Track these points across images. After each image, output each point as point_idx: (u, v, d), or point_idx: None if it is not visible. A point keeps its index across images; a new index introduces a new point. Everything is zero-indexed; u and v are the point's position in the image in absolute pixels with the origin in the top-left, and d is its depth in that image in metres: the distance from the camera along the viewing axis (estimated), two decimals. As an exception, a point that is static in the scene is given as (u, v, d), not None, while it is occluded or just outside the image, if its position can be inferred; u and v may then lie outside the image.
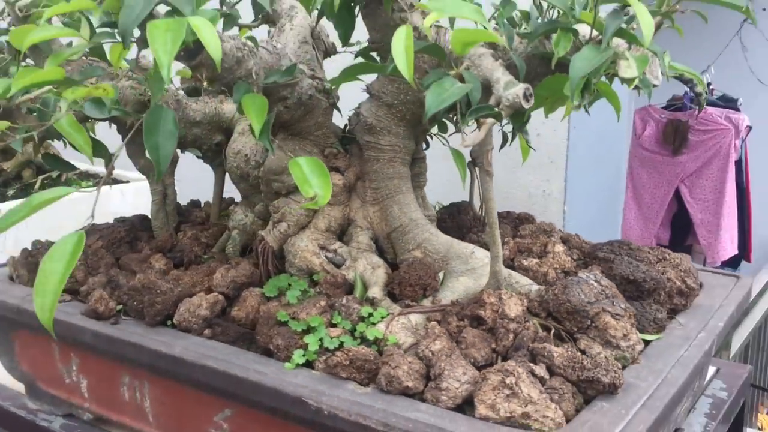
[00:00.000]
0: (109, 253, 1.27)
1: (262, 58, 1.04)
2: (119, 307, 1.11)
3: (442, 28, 1.07)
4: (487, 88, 0.89)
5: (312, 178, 0.88)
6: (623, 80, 0.81)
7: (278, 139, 1.16)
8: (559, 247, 1.14)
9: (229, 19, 1.15)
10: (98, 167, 2.22)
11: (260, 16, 1.32)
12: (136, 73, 1.23)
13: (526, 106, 0.85)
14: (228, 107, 1.33)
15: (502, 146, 1.51)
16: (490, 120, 0.84)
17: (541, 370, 0.87)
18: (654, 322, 1.02)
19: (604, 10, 0.88)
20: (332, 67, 1.29)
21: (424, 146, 1.26)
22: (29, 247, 1.31)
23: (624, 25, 0.85)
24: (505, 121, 1.47)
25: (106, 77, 1.23)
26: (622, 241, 1.18)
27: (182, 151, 1.36)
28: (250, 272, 1.11)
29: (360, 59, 1.22)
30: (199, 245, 1.24)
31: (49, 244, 1.32)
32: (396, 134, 1.14)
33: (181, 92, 1.32)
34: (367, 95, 1.15)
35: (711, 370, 1.36)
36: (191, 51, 0.92)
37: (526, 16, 1.08)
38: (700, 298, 1.14)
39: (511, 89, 0.85)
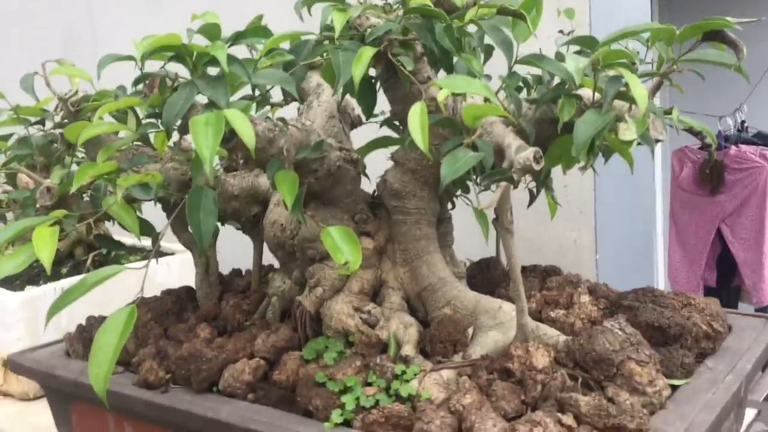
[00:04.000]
0: (158, 324, 1.34)
1: (293, 136, 1.12)
2: (168, 376, 1.17)
3: (459, 96, 1.14)
4: (500, 152, 0.95)
5: (343, 245, 0.95)
6: (623, 143, 0.86)
7: (310, 209, 1.23)
8: (585, 298, 1.18)
9: (262, 101, 1.25)
10: (145, 241, 2.33)
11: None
12: (177, 155, 1.32)
13: (536, 167, 0.91)
14: (263, 180, 1.41)
15: (529, 204, 1.57)
16: (503, 183, 0.90)
17: (568, 420, 0.90)
18: (682, 366, 1.05)
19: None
20: (359, 137, 1.37)
21: (449, 207, 1.32)
22: (83, 323, 1.39)
23: (623, 89, 0.91)
24: (528, 177, 1.54)
25: (150, 161, 1.32)
26: (646, 288, 1.21)
27: (222, 224, 1.44)
28: (289, 337, 1.17)
29: (384, 128, 1.30)
30: (241, 313, 1.31)
31: (102, 319, 1.40)
32: (421, 198, 1.20)
33: (220, 168, 1.41)
34: (393, 163, 1.22)
35: (751, 413, 1.36)
36: (227, 137, 1.01)
37: (538, 81, 1.14)
38: (728, 341, 1.16)
39: (521, 153, 0.91)
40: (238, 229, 1.44)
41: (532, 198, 1.57)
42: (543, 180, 1.36)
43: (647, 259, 2.32)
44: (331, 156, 1.19)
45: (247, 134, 0.88)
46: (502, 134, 0.95)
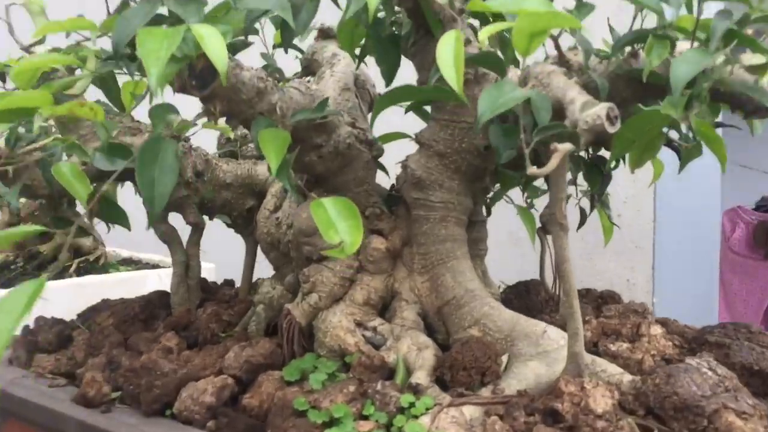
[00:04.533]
0: (119, 331, 1.10)
1: (292, 98, 0.88)
2: (117, 393, 0.92)
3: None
4: (559, 111, 0.70)
5: (339, 221, 0.70)
6: (750, 69, 0.61)
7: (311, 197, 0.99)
8: (657, 330, 0.91)
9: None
10: (143, 253, 2.10)
11: (302, 68, 1.19)
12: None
13: (610, 130, 0.66)
14: (262, 169, 1.17)
15: (579, 226, 1.31)
16: (564, 145, 0.65)
17: (642, 486, 0.63)
18: (790, 426, 0.77)
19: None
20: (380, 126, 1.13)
21: (484, 212, 1.07)
22: (31, 325, 1.15)
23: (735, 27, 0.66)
24: (580, 192, 1.28)
25: (128, 133, 1.09)
26: (738, 323, 0.93)
27: (210, 218, 1.20)
28: (269, 352, 0.91)
29: (410, 118, 1.06)
30: (219, 323, 1.06)
31: (54, 321, 1.16)
32: (449, 189, 0.95)
33: (210, 153, 1.18)
34: (417, 147, 0.98)
35: None
36: (201, 77, 0.78)
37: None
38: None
39: (589, 109, 0.66)
40: (228, 225, 1.20)
41: (583, 218, 1.32)
42: (606, 182, 1.11)
43: (710, 308, 2.02)
44: (341, 131, 0.95)
45: (219, 55, 0.65)
46: (564, 87, 0.71)
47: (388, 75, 0.90)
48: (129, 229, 1.10)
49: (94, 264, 1.84)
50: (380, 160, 1.03)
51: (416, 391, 0.80)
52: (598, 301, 1.07)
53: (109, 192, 1.15)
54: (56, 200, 1.11)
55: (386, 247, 0.97)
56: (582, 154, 1.15)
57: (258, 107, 0.81)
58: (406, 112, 1.06)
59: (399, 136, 1.10)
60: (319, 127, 0.92)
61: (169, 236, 1.16)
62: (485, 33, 0.69)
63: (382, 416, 0.76)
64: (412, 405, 0.77)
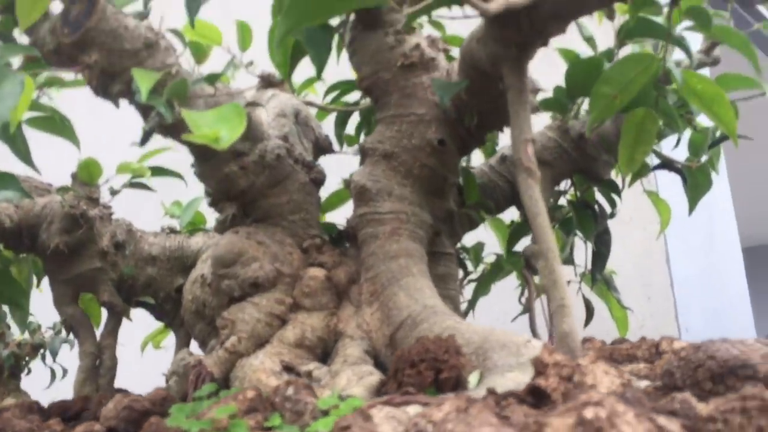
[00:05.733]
0: (-1, 434, 0.85)
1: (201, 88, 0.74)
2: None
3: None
4: None
5: (216, 122, 0.52)
6: None
7: (239, 227, 0.81)
8: (682, 344, 0.67)
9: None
10: None
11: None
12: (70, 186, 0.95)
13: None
14: (196, 240, 1.00)
15: (587, 321, 1.10)
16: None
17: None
18: None
19: None
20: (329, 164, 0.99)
21: (452, 242, 0.88)
22: None
23: None
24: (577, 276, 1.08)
25: (34, 192, 0.95)
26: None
27: (131, 303, 1.00)
28: (161, 397, 0.68)
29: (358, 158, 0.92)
30: (127, 411, 0.81)
31: None
32: (400, 197, 0.77)
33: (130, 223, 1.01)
34: (361, 159, 0.82)
35: None
36: (76, 23, 0.65)
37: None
38: None
39: None
40: (152, 311, 1.00)
41: (590, 312, 1.11)
42: (597, 254, 0.93)
43: None
44: (268, 143, 0.80)
45: None
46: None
47: (319, 61, 0.77)
48: (26, 311, 0.91)
49: None
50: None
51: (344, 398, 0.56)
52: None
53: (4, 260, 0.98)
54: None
55: (325, 276, 0.77)
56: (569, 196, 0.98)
57: (147, 64, 0.67)
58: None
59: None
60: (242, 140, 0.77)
61: (77, 321, 0.95)
62: None
63: (293, 430, 0.52)
64: (335, 407, 0.53)
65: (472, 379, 0.62)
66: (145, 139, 0.67)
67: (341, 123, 1.00)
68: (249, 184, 0.79)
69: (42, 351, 1.33)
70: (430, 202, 0.79)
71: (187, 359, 0.84)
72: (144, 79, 0.58)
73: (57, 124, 0.80)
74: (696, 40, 0.82)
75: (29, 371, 1.50)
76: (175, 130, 0.69)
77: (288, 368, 0.72)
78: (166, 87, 0.62)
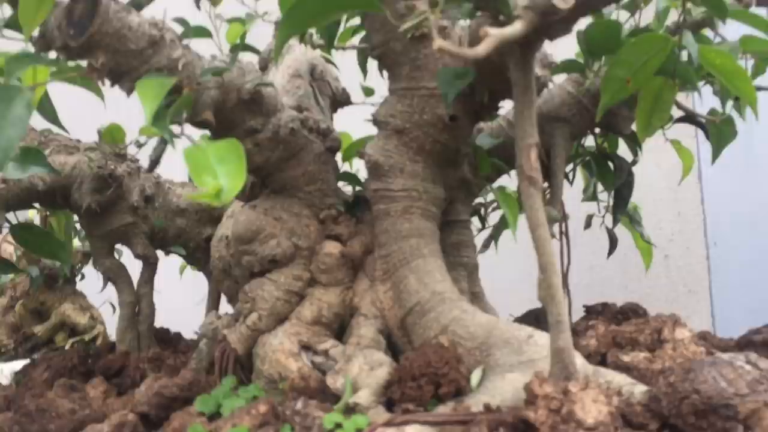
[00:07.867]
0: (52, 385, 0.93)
1: (202, 57, 0.73)
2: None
3: None
4: None
5: (218, 165, 0.53)
6: None
7: (257, 200, 0.83)
8: (685, 333, 0.69)
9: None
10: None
11: (259, 69, 1.06)
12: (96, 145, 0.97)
13: (561, 5, 0.48)
14: (221, 191, 1.02)
15: (610, 251, 1.10)
16: (498, 30, 0.47)
17: None
18: None
19: None
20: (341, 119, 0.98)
21: (471, 210, 0.88)
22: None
23: None
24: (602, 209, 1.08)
25: (63, 151, 0.97)
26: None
27: (166, 252, 1.04)
28: (188, 382, 0.73)
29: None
30: (155, 366, 0.88)
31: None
32: (412, 174, 0.77)
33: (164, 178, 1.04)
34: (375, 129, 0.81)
35: None
36: (80, 24, 0.64)
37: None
38: None
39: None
40: (184, 258, 1.04)
41: (613, 242, 1.11)
42: (617, 198, 0.92)
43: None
44: (282, 115, 0.80)
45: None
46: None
47: (329, 34, 0.75)
48: (67, 264, 0.96)
49: (90, 344, 1.70)
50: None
51: (352, 410, 0.60)
52: (618, 317, 0.85)
53: (42, 218, 1.02)
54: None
55: (340, 252, 0.79)
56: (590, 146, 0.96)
57: (153, 62, 0.67)
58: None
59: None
60: (252, 107, 0.76)
61: (114, 272, 1.01)
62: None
63: (301, 444, 0.57)
64: (338, 426, 0.57)
65: (474, 378, 0.65)
66: (152, 167, 0.68)
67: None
68: (264, 159, 0.80)
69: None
70: (443, 174, 0.79)
71: (215, 323, 0.89)
72: (148, 97, 0.58)
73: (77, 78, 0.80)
74: None
75: (83, 276, 1.60)
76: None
77: (306, 347, 0.76)
78: (172, 105, 0.62)
